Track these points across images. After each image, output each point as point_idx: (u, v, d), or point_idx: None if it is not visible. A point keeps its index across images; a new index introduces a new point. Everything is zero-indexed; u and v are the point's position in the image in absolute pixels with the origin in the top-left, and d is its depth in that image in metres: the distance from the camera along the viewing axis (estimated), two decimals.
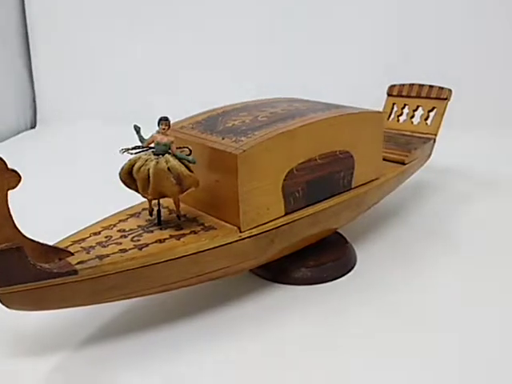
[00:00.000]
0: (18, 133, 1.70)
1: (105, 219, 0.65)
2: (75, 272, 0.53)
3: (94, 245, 0.59)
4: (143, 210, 0.68)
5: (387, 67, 1.44)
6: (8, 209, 0.50)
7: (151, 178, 0.59)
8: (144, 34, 1.70)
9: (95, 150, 1.44)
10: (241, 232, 0.62)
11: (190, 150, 0.62)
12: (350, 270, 0.76)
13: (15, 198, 0.52)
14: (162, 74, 1.70)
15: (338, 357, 0.58)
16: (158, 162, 0.59)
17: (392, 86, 1.02)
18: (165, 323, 0.65)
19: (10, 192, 0.50)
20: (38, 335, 0.64)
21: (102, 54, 1.74)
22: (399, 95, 1.01)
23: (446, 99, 0.94)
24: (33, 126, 1.79)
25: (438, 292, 0.70)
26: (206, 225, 0.63)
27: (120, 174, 0.62)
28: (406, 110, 0.99)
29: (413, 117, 0.98)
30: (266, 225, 0.64)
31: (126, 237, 0.61)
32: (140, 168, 0.60)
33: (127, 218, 0.66)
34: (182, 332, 0.63)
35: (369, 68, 1.52)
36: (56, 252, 0.55)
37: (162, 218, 0.64)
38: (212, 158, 0.62)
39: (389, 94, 1.02)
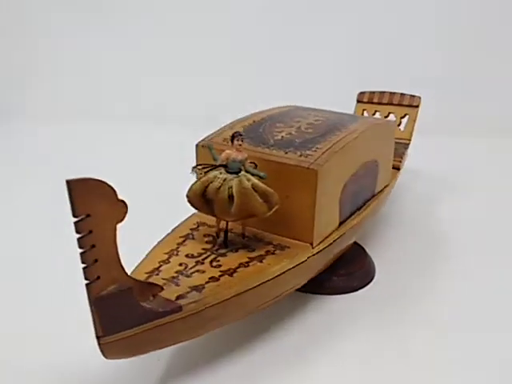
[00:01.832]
0: None
1: (160, 244, 0.60)
2: (180, 308, 0.48)
3: (174, 275, 0.53)
4: (191, 230, 0.63)
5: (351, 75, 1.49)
6: (116, 246, 0.44)
7: (237, 198, 0.55)
8: (110, 25, 1.60)
9: (51, 148, 1.34)
10: (313, 248, 0.61)
11: (256, 165, 0.59)
12: (372, 278, 0.78)
13: None
14: (124, 67, 1.60)
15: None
16: (240, 181, 0.55)
17: (361, 93, 1.07)
18: (224, 356, 0.60)
19: None
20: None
21: (61, 48, 1.60)
22: (370, 102, 1.06)
23: (417, 106, 1.01)
24: None
25: (461, 293, 0.74)
26: (275, 243, 0.61)
27: (189, 196, 0.57)
28: (377, 117, 1.05)
29: None
30: (327, 239, 0.64)
31: (201, 263, 0.56)
32: (219, 188, 0.55)
33: (183, 241, 0.60)
34: (249, 363, 0.59)
35: (333, 74, 1.56)
36: (149, 288, 0.49)
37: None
38: (280, 174, 0.60)
39: (358, 101, 1.07)
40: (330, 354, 0.61)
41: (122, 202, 0.43)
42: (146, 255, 0.57)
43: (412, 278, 0.78)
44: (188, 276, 0.53)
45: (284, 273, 0.57)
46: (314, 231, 0.60)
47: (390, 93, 1.04)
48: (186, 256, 0.57)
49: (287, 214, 0.61)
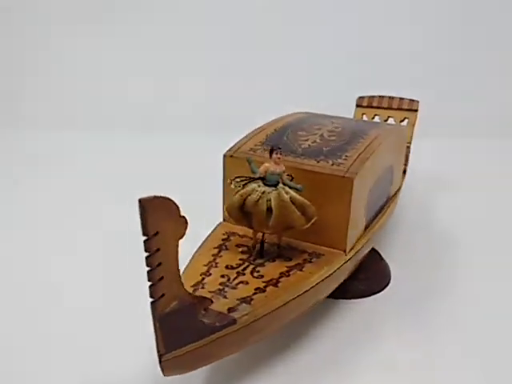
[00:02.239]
0: None
1: (196, 256, 0.59)
2: (234, 321, 0.48)
3: (220, 287, 0.53)
4: (223, 240, 0.63)
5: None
6: (178, 262, 0.44)
7: (275, 211, 0.55)
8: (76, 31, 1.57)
9: (63, 155, 1.33)
10: (346, 254, 0.62)
11: (292, 177, 0.59)
12: (389, 281, 0.79)
13: None
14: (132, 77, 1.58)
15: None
16: (279, 194, 0.56)
17: (361, 98, 1.09)
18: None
19: None
20: None
21: (70, 57, 1.59)
22: (369, 106, 1.07)
23: (416, 110, 1.04)
24: None
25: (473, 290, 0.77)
26: (310, 252, 0.61)
27: (228, 209, 0.57)
28: (376, 120, 1.07)
29: None
30: (357, 245, 0.65)
31: (243, 274, 0.56)
32: (257, 201, 0.56)
33: (218, 252, 0.60)
34: (285, 375, 0.59)
35: (330, 78, 1.57)
36: (201, 302, 0.49)
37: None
38: (313, 182, 0.60)
39: (358, 105, 1.09)
40: (364, 357, 0.62)
41: (183, 217, 0.43)
42: (185, 268, 0.57)
43: (426, 279, 0.79)
44: (234, 288, 0.53)
45: (323, 280, 0.58)
46: (347, 238, 0.61)
47: (389, 97, 1.06)
48: (226, 267, 0.57)
49: (320, 222, 0.61)
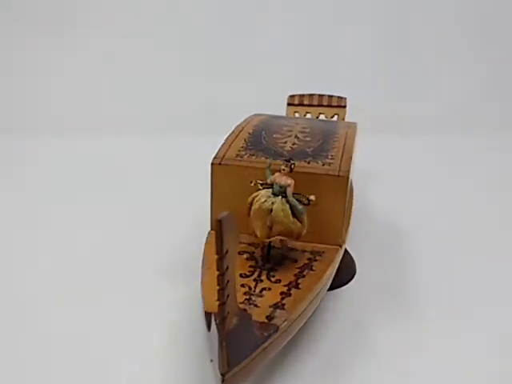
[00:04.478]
0: None
1: (206, 270, 0.58)
2: (277, 329, 0.49)
3: (246, 297, 0.53)
4: None
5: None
6: (235, 277, 0.43)
7: (273, 222, 0.57)
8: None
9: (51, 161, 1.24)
10: (341, 249, 0.65)
11: (309, 200, 0.59)
12: (355, 273, 0.83)
13: None
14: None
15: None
16: (263, 202, 0.57)
17: (292, 96, 1.12)
18: None
19: None
20: None
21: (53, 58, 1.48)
22: (300, 104, 1.11)
23: (344, 106, 1.10)
24: None
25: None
26: (310, 251, 0.63)
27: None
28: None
29: None
30: (345, 239, 0.68)
31: (260, 281, 0.56)
32: (259, 208, 0.57)
33: None
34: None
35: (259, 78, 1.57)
36: (242, 315, 0.48)
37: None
38: (307, 183, 0.62)
39: (289, 104, 1.12)
40: (351, 346, 0.64)
41: (238, 233, 0.42)
42: (202, 284, 0.55)
43: (387, 268, 0.84)
44: (259, 296, 0.53)
45: (330, 276, 0.60)
46: (343, 234, 0.64)
47: (319, 95, 1.11)
48: (241, 276, 0.57)
49: (316, 220, 0.63)
